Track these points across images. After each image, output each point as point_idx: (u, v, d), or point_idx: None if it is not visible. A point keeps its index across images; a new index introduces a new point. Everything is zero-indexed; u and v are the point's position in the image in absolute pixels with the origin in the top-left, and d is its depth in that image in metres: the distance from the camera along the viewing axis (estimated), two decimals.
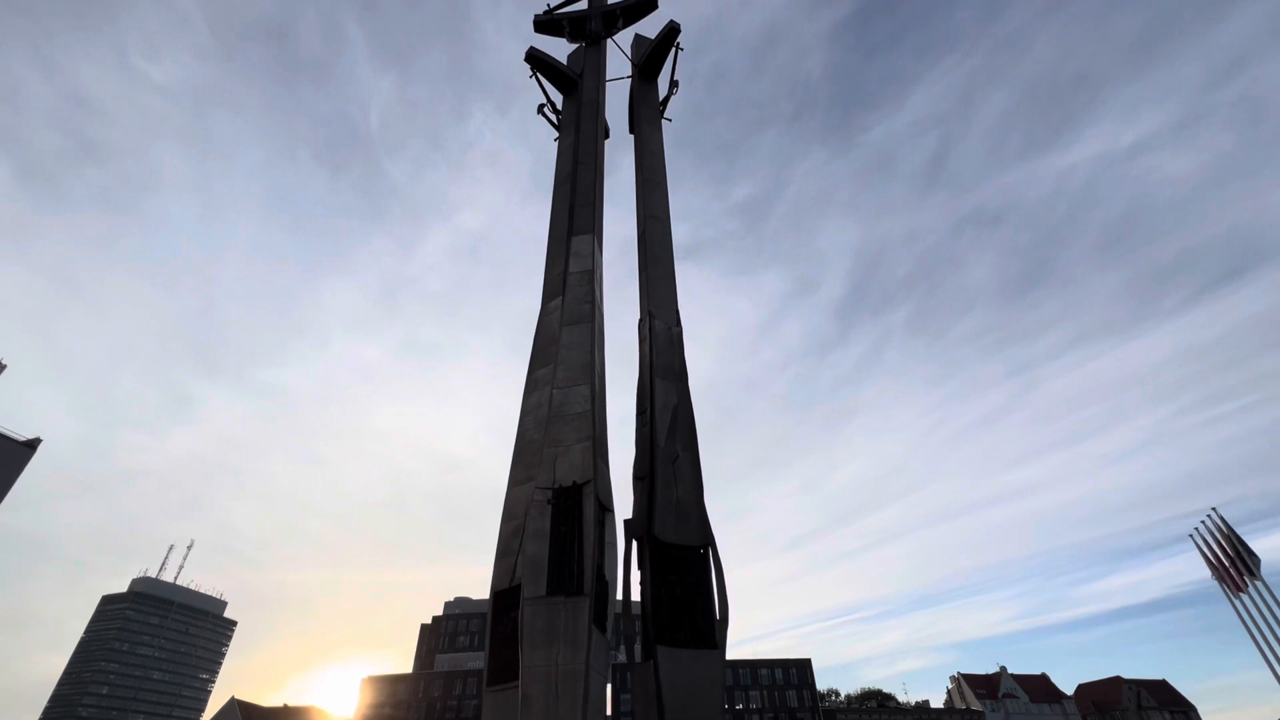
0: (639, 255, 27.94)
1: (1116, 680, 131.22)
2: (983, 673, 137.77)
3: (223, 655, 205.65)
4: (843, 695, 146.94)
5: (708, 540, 19.22)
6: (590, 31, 32.85)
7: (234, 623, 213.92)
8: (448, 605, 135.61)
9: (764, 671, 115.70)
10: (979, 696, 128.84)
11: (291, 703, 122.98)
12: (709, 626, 17.76)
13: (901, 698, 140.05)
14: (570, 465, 16.42)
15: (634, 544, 18.91)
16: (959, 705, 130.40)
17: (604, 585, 15.62)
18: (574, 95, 34.51)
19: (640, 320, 25.54)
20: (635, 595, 18.21)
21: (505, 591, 16.08)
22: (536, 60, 35.16)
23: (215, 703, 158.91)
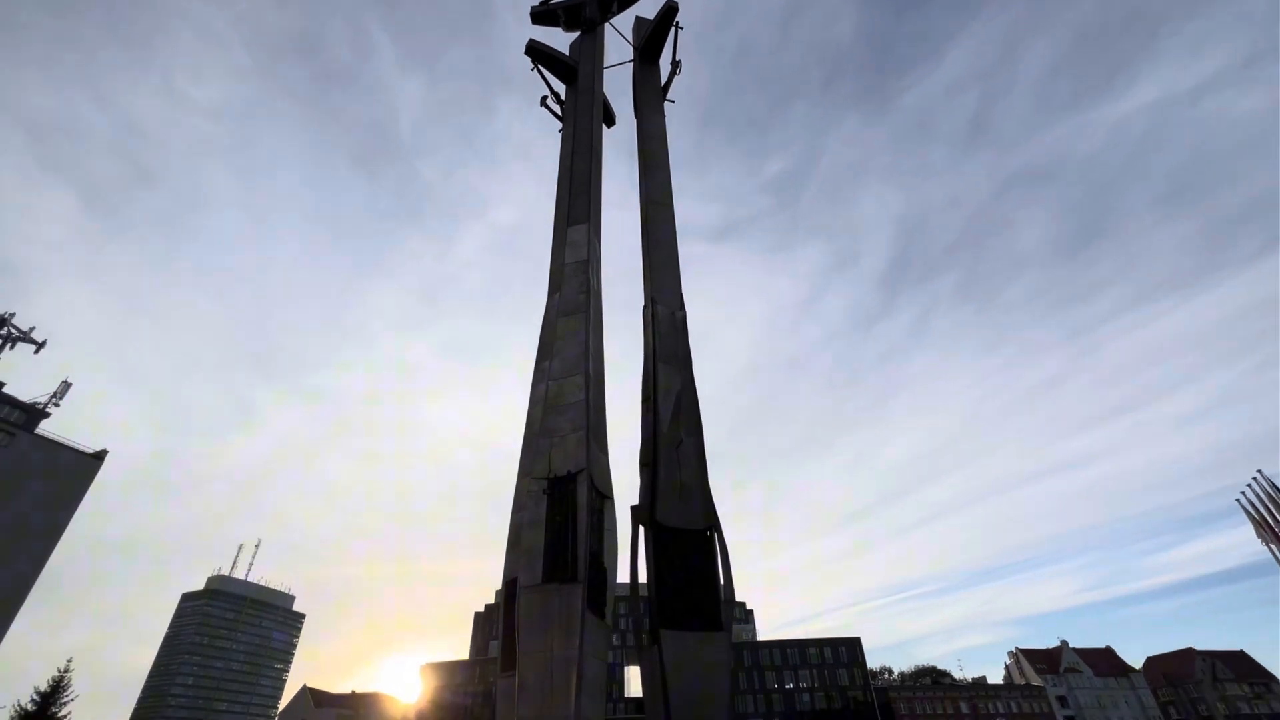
0: (642, 241, 27.81)
1: (1189, 652, 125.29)
2: (1043, 647, 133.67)
3: (294, 646, 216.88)
4: (895, 673, 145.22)
5: (712, 523, 19.23)
6: (585, 18, 32.59)
7: (302, 615, 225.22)
8: (498, 594, 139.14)
9: (812, 650, 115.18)
10: (1039, 672, 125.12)
11: (358, 690, 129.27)
12: (715, 609, 17.84)
13: (957, 674, 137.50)
14: (565, 455, 16.65)
15: (641, 530, 19.09)
16: (1018, 681, 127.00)
17: (601, 572, 15.84)
18: (575, 85, 34.37)
19: (644, 307, 25.49)
20: (644, 580, 18.40)
21: (516, 580, 16.48)
22: (536, 52, 35.12)
23: (289, 691, 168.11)
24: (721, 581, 18.40)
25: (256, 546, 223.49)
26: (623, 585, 17.28)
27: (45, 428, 55.24)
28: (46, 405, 55.26)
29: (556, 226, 26.95)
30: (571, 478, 16.06)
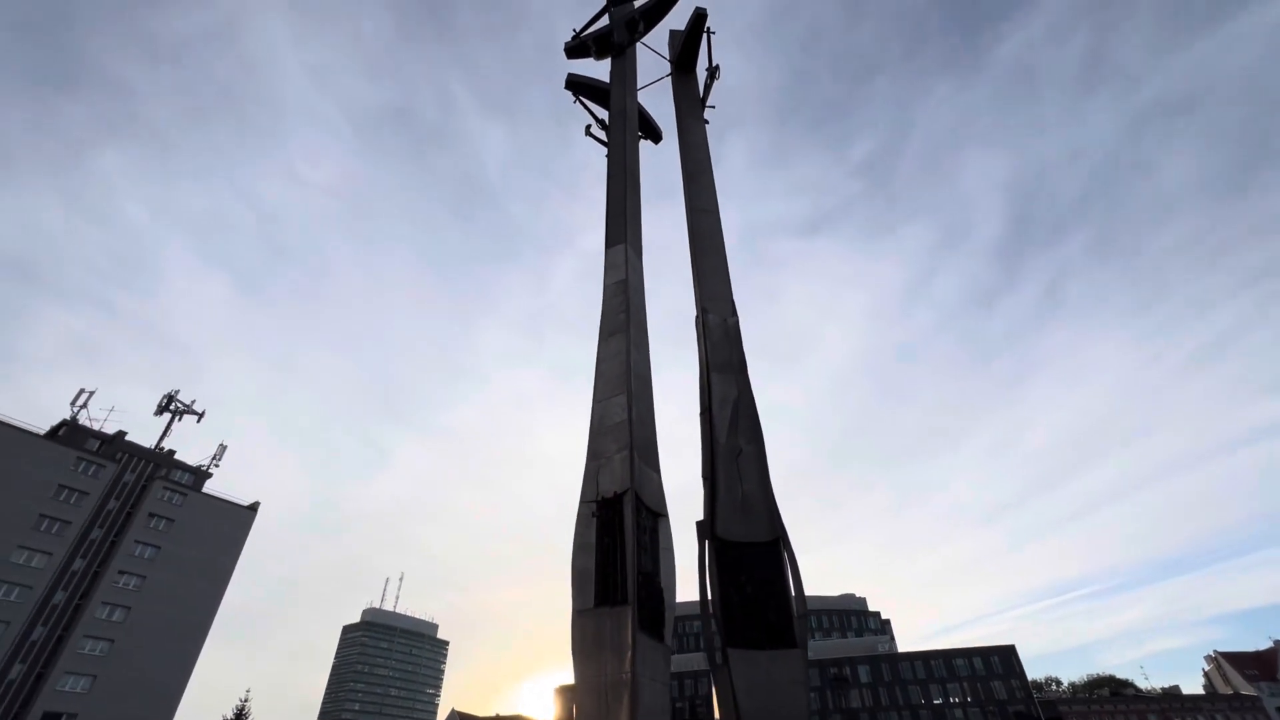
0: (691, 250, 27.49)
1: None
2: (1252, 650, 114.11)
3: (442, 672, 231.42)
4: (1065, 684, 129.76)
5: (777, 534, 18.31)
6: (614, 44, 33.17)
7: (446, 642, 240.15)
8: None
9: (959, 661, 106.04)
10: (1249, 679, 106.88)
11: (501, 713, 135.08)
12: (786, 624, 16.87)
13: (1142, 684, 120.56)
14: (611, 476, 16.59)
15: (706, 546, 18.57)
16: (1222, 689, 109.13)
17: (657, 592, 15.52)
18: (610, 109, 34.96)
19: (696, 317, 25.10)
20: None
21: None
22: (576, 85, 36.16)
23: (441, 715, 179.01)
24: (793, 595, 17.41)
25: (401, 579, 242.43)
26: (693, 604, 16.75)
27: (210, 486, 63.58)
28: (209, 466, 63.77)
29: (607, 250, 27.27)
30: (618, 498, 15.95)
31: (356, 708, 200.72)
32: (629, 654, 13.31)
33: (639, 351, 20.47)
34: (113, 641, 51.86)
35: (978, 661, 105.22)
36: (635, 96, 31.02)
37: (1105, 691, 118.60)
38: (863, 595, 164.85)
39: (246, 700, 59.90)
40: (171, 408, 64.32)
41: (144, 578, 55.17)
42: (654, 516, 16.95)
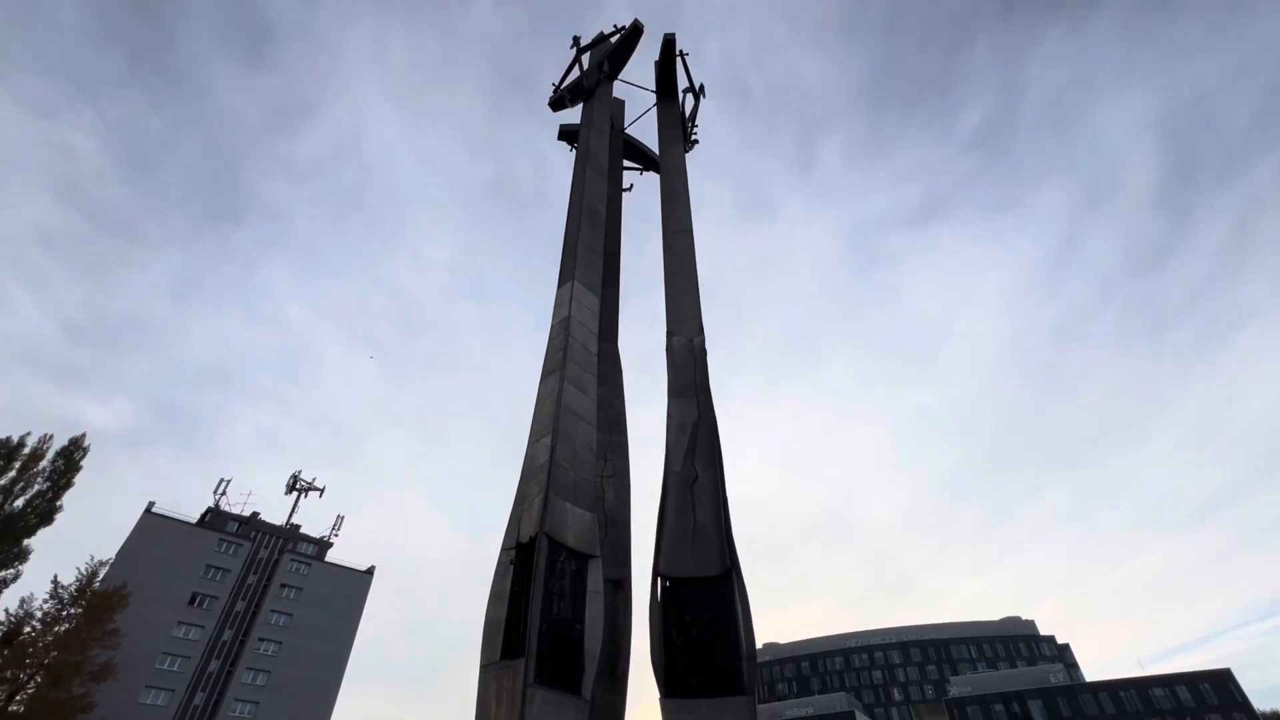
0: (665, 272, 26.80)
1: None
2: None
3: None
4: None
5: (728, 566, 16.74)
6: (585, 88, 33.93)
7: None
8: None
9: (1158, 692, 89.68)
10: None
11: None
12: (733, 668, 15.18)
13: None
14: (530, 520, 16.11)
15: (657, 585, 17.39)
16: None
17: (572, 640, 14.61)
18: (611, 150, 35.49)
19: (666, 343, 24.23)
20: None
21: None
22: (567, 134, 37.29)
23: None
24: (742, 635, 15.67)
25: None
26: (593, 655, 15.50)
27: (332, 555, 70.08)
28: (329, 537, 70.45)
29: (558, 289, 27.17)
30: (531, 543, 15.44)
31: None
32: (519, 711, 12.58)
33: (580, 390, 19.98)
34: (257, 704, 57.88)
35: (1183, 692, 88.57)
36: (602, 135, 31.34)
37: None
38: (1030, 618, 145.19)
39: None
40: (297, 487, 72.27)
41: (280, 643, 61.45)
42: (581, 559, 16.14)
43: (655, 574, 17.52)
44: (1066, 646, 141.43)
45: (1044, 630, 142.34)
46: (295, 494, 71.49)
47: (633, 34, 34.58)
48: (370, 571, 69.81)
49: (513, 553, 15.95)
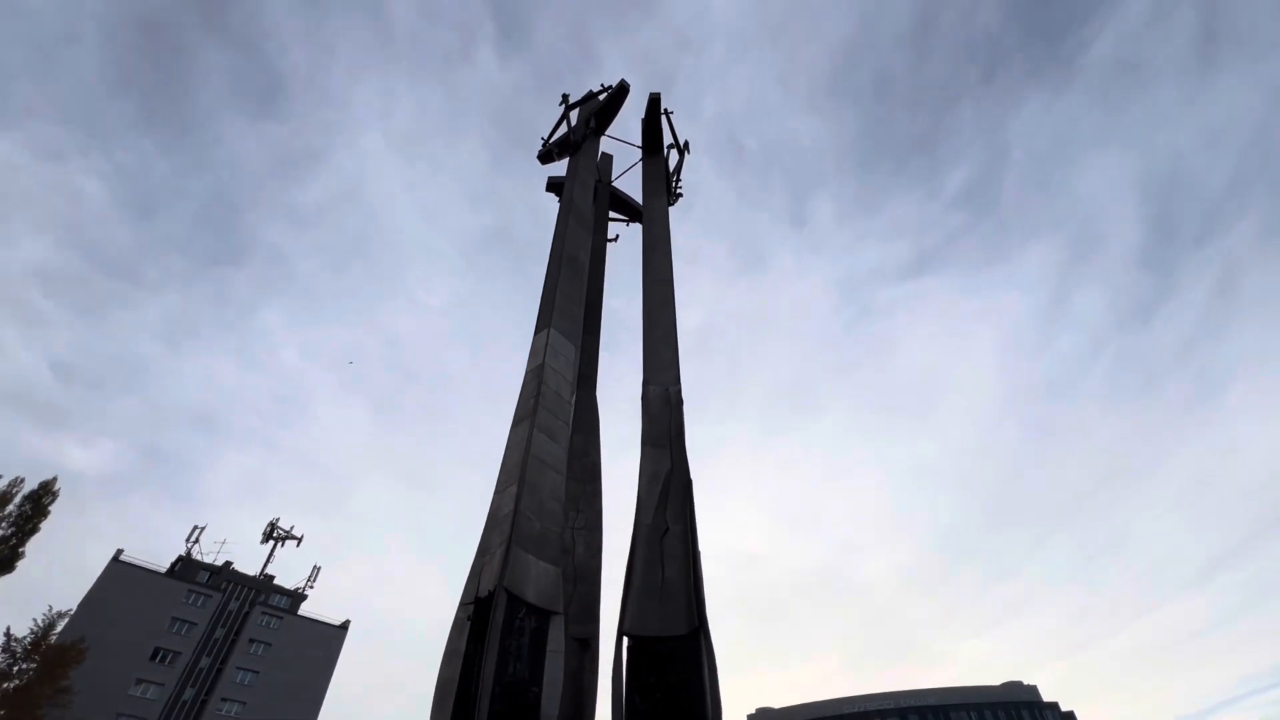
0: (643, 322, 26.92)
1: None
2: None
3: None
4: None
5: (695, 625, 16.08)
6: (572, 143, 35.00)
7: None
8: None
9: None
10: None
11: None
12: None
13: None
14: (490, 573, 15.52)
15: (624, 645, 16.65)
16: None
17: (528, 703, 13.85)
18: (597, 201, 36.30)
19: (641, 394, 24.11)
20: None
21: None
22: (554, 186, 38.21)
23: None
24: (708, 698, 14.90)
25: None
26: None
27: (307, 607, 67.54)
28: (304, 588, 68.04)
29: (534, 337, 27.28)
30: (490, 598, 14.82)
31: None
32: None
33: (550, 438, 19.67)
34: None
35: None
36: (586, 187, 32.11)
37: None
38: (1032, 683, 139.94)
39: None
40: (274, 535, 70.27)
41: (244, 704, 58.31)
42: (542, 615, 15.48)
43: (620, 632, 16.83)
44: (1071, 715, 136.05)
45: (1047, 696, 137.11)
46: (272, 542, 69.47)
47: (619, 93, 35.94)
48: (345, 626, 67.08)
49: (470, 608, 15.31)
